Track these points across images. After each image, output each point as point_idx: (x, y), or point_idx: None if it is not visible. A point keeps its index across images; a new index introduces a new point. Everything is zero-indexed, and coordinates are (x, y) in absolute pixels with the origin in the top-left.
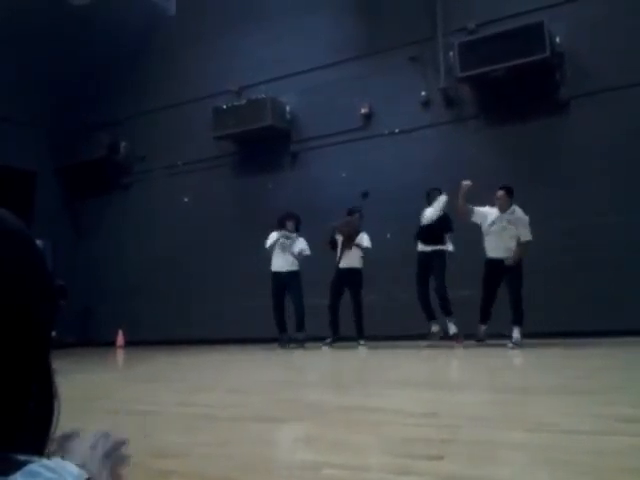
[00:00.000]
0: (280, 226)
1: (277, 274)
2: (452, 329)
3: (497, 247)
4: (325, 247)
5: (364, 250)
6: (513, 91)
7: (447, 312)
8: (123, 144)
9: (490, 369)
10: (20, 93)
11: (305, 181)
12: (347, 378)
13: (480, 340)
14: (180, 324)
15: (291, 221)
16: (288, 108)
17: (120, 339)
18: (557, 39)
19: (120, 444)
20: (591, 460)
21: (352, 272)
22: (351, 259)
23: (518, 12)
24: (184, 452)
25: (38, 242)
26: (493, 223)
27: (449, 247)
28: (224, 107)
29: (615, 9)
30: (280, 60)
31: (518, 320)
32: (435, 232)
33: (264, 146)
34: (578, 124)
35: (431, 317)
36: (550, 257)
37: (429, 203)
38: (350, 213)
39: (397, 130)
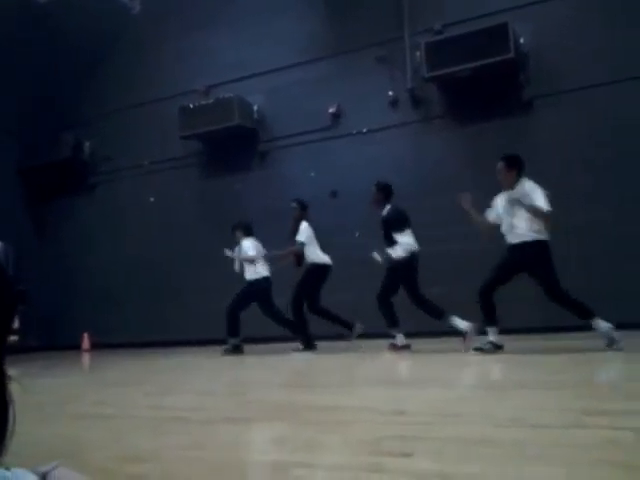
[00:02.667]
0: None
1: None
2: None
3: (506, 231)
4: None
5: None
6: (479, 91)
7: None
8: (87, 144)
9: (459, 366)
10: None
11: (273, 181)
12: (316, 378)
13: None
14: (147, 326)
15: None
16: (256, 107)
17: (86, 342)
18: (522, 40)
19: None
20: (561, 454)
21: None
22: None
23: (484, 13)
24: (155, 456)
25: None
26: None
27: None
28: (191, 106)
29: (580, 10)
30: (247, 60)
31: None
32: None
33: (232, 146)
34: (541, 124)
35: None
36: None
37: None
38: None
39: (365, 130)
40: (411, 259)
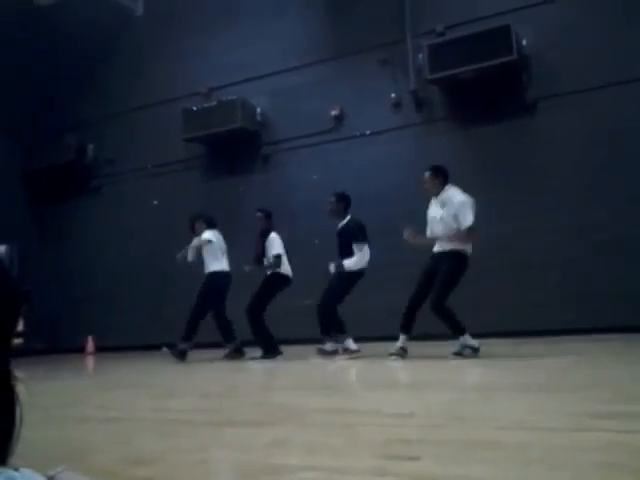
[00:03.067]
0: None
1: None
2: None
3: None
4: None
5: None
6: (481, 93)
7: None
8: (91, 147)
9: (462, 369)
10: None
11: (276, 183)
12: (320, 381)
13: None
14: (151, 328)
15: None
16: (259, 110)
17: (90, 345)
18: (524, 41)
19: None
20: (566, 457)
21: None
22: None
23: (486, 15)
24: (159, 458)
25: (2, 247)
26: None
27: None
28: (194, 109)
29: (582, 11)
30: (250, 62)
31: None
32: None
33: (235, 148)
34: (545, 125)
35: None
36: (518, 257)
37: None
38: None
39: (368, 132)
40: (360, 273)
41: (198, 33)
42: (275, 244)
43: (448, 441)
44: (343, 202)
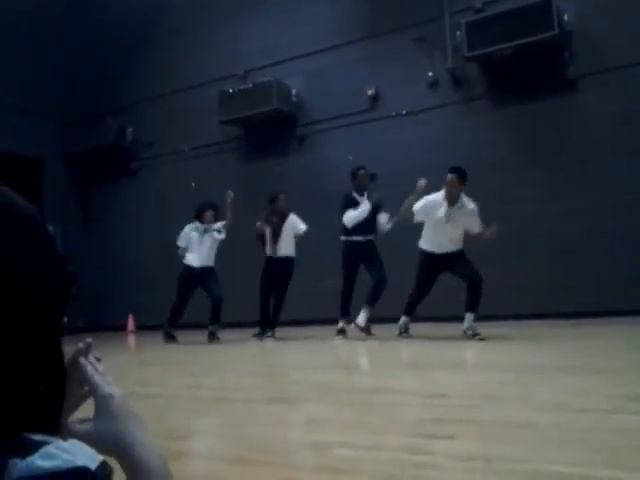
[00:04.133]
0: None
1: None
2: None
3: (440, 242)
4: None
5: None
6: (521, 70)
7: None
8: (130, 130)
9: (499, 350)
10: (29, 82)
11: (312, 164)
12: (355, 360)
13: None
14: (189, 308)
15: (210, 211)
16: (294, 91)
17: (130, 324)
18: (565, 17)
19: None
20: (603, 438)
21: (287, 261)
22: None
23: None
24: (198, 434)
25: (49, 228)
26: (441, 217)
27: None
28: (230, 91)
29: None
30: (285, 43)
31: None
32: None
33: (270, 130)
34: (586, 103)
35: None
36: (556, 238)
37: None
38: (273, 201)
39: (404, 112)
40: None
41: (233, 16)
42: (301, 222)
43: (483, 421)
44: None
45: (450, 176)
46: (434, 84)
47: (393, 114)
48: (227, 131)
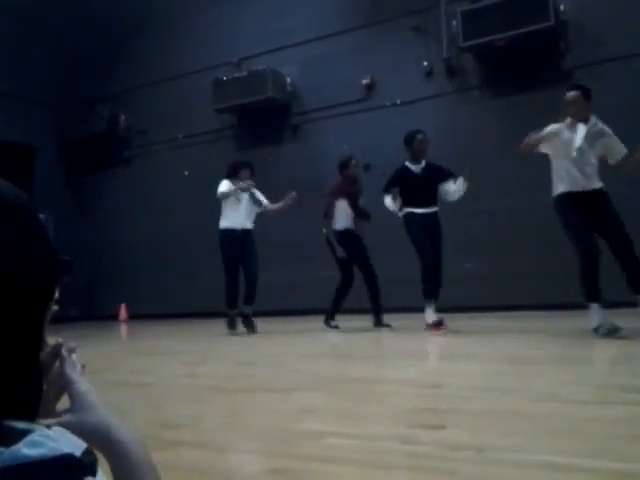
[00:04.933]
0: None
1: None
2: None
3: (578, 176)
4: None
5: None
6: (517, 60)
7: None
8: (123, 117)
9: (494, 341)
10: (20, 68)
11: (306, 153)
12: (350, 350)
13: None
14: (182, 297)
15: (246, 170)
16: (289, 80)
17: (123, 313)
18: (562, 7)
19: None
20: (594, 429)
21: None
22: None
23: None
24: (192, 423)
25: (40, 216)
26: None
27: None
28: (224, 79)
29: None
30: (280, 31)
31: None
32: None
33: (265, 118)
34: None
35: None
36: (552, 227)
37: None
38: (344, 167)
39: (399, 101)
40: None
41: (229, 3)
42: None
43: (475, 411)
44: None
45: (571, 94)
46: (429, 74)
47: (388, 104)
48: (222, 119)
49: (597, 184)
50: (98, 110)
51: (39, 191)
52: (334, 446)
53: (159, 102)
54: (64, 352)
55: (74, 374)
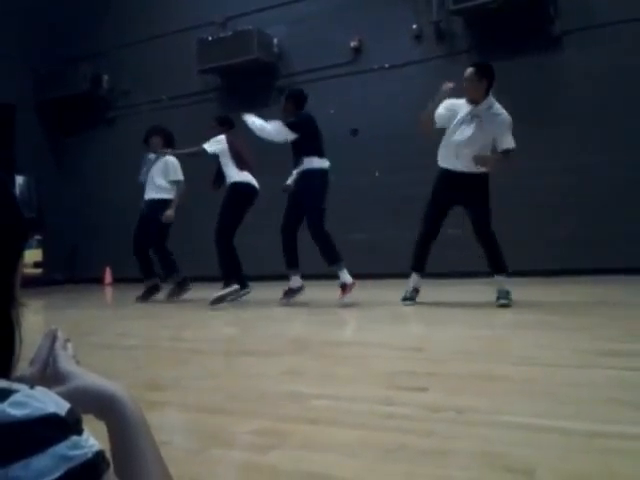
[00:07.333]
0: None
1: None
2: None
3: (457, 154)
4: None
5: None
6: (506, 25)
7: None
8: (106, 77)
9: (476, 306)
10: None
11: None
12: (331, 314)
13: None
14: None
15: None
16: (275, 41)
17: (108, 276)
18: None
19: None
20: (570, 392)
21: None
22: None
23: None
24: (177, 385)
25: (20, 178)
26: (460, 120)
27: None
28: (209, 39)
29: None
30: None
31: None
32: None
33: (250, 80)
34: (571, 60)
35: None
36: (543, 196)
37: None
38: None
39: (387, 65)
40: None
41: None
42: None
43: (455, 374)
44: (292, 100)
45: (467, 70)
46: (418, 37)
47: (375, 67)
48: (207, 80)
49: (471, 168)
50: (80, 69)
51: (20, 151)
52: (317, 407)
53: (143, 62)
54: (59, 332)
55: (62, 351)
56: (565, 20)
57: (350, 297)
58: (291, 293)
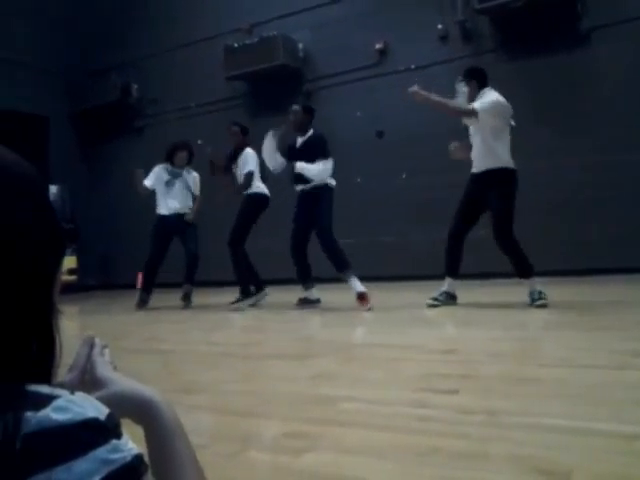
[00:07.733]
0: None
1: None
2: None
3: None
4: None
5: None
6: (533, 23)
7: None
8: (135, 87)
9: (508, 307)
10: (33, 37)
11: (319, 121)
12: (357, 317)
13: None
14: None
15: (183, 152)
16: (301, 46)
17: (140, 281)
18: None
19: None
20: (606, 393)
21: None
22: None
23: None
24: (210, 388)
25: (54, 188)
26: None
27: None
28: (235, 46)
29: None
30: None
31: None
32: None
33: (277, 86)
34: (599, 57)
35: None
36: (568, 193)
37: None
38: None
39: (413, 66)
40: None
41: None
42: (250, 160)
43: (488, 376)
44: (309, 115)
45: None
46: (444, 37)
47: (402, 69)
48: (234, 87)
49: (479, 167)
50: (110, 79)
51: (54, 162)
52: (347, 410)
53: (171, 70)
54: (97, 339)
55: (100, 358)
56: (593, 16)
57: (373, 301)
58: (307, 302)
